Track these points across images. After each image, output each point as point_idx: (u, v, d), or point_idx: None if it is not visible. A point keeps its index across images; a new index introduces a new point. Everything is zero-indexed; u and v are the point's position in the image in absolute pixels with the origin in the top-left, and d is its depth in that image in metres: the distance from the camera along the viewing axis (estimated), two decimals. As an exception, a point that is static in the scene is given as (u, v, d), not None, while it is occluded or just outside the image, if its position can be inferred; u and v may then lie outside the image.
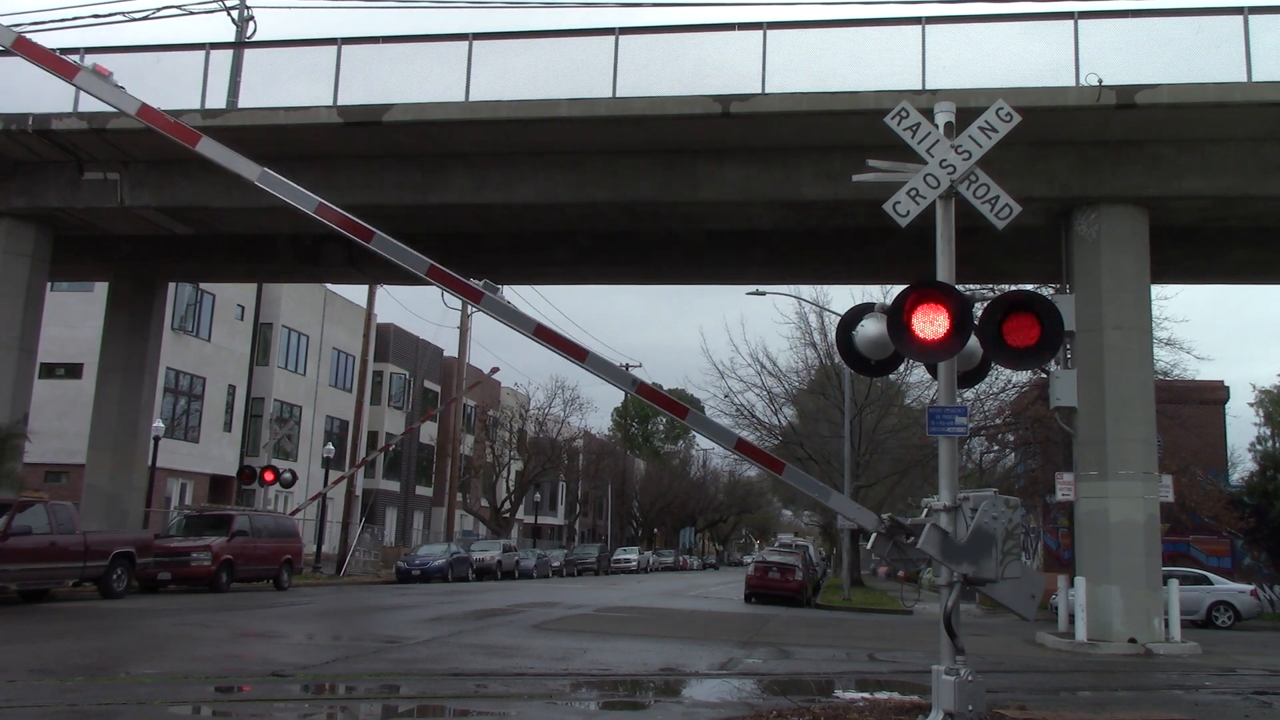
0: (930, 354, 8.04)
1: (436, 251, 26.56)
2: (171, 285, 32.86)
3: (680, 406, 8.50)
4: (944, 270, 8.23)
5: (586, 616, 21.25)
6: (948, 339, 7.80)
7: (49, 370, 34.57)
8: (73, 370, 35.86)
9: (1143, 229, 19.20)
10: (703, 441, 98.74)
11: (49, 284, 25.45)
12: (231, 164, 9.04)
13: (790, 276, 27.40)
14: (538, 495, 66.04)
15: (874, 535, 8.01)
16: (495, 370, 55.19)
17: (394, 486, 55.71)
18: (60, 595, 21.24)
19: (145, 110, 8.68)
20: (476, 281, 8.72)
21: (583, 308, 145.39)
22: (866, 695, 10.11)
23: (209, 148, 8.78)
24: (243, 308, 43.06)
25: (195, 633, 14.81)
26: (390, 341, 54.59)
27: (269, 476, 32.75)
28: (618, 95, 18.99)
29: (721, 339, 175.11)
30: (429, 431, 59.32)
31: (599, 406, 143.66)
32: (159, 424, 30.67)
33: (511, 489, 60.09)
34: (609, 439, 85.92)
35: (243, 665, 11.59)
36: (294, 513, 32.60)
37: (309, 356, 47.95)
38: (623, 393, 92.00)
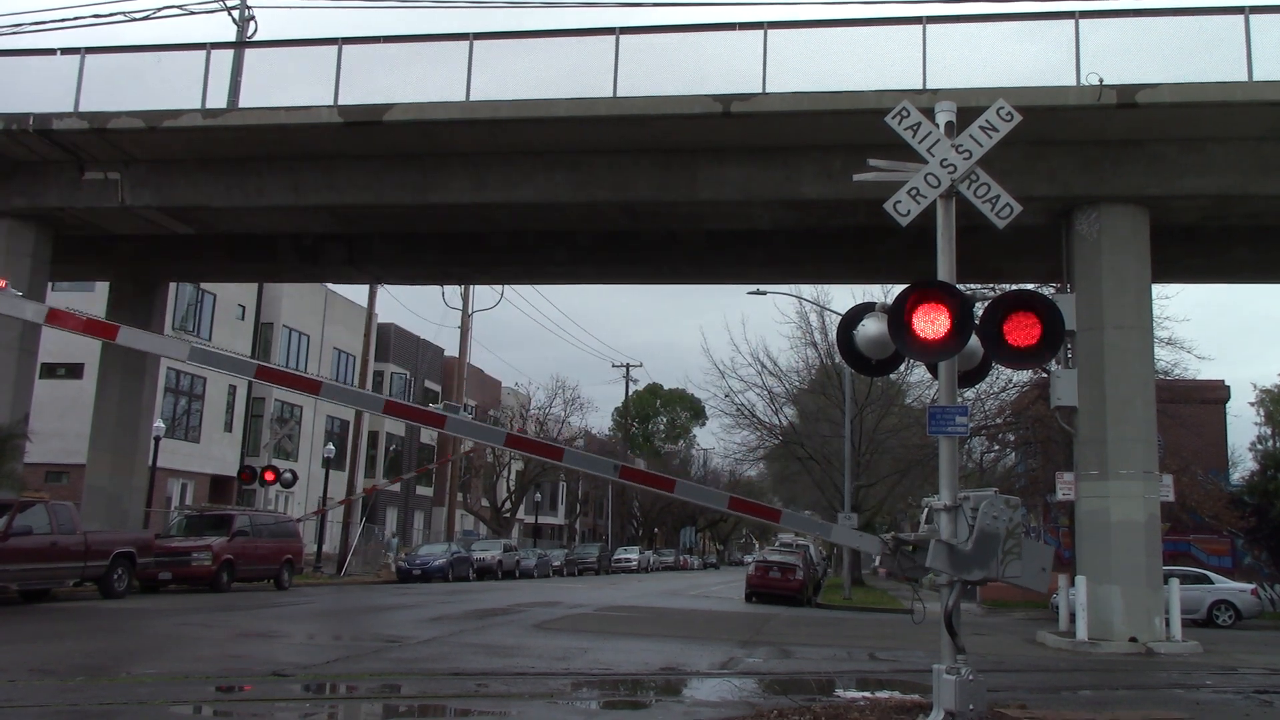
0: (931, 353, 8.04)
1: (436, 250, 26.63)
2: (172, 285, 32.93)
3: (667, 480, 8.52)
4: (945, 269, 8.23)
5: (587, 616, 21.26)
6: (948, 338, 7.80)
7: (50, 370, 34.60)
8: (73, 370, 35.88)
9: (1143, 228, 19.20)
10: (704, 440, 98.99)
11: (50, 284, 25.50)
12: (160, 349, 9.25)
13: (791, 276, 27.41)
14: (538, 495, 66.05)
15: (881, 554, 8.02)
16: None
17: (394, 487, 55.78)
18: (61, 595, 21.25)
19: (53, 314, 8.75)
20: (436, 406, 8.81)
21: (583, 306, 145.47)
22: (867, 694, 10.11)
23: (128, 336, 8.83)
24: (243, 307, 43.11)
25: (196, 633, 14.82)
26: (391, 341, 54.64)
27: (269, 476, 32.82)
28: (618, 95, 18.99)
29: (722, 338, 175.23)
30: (429, 432, 59.41)
31: (600, 406, 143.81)
32: (159, 424, 30.68)
33: (512, 489, 60.10)
34: (610, 438, 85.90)
35: (244, 665, 11.59)
36: (299, 520, 32.58)
37: (310, 356, 48.03)
38: (624, 392, 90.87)
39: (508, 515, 58.48)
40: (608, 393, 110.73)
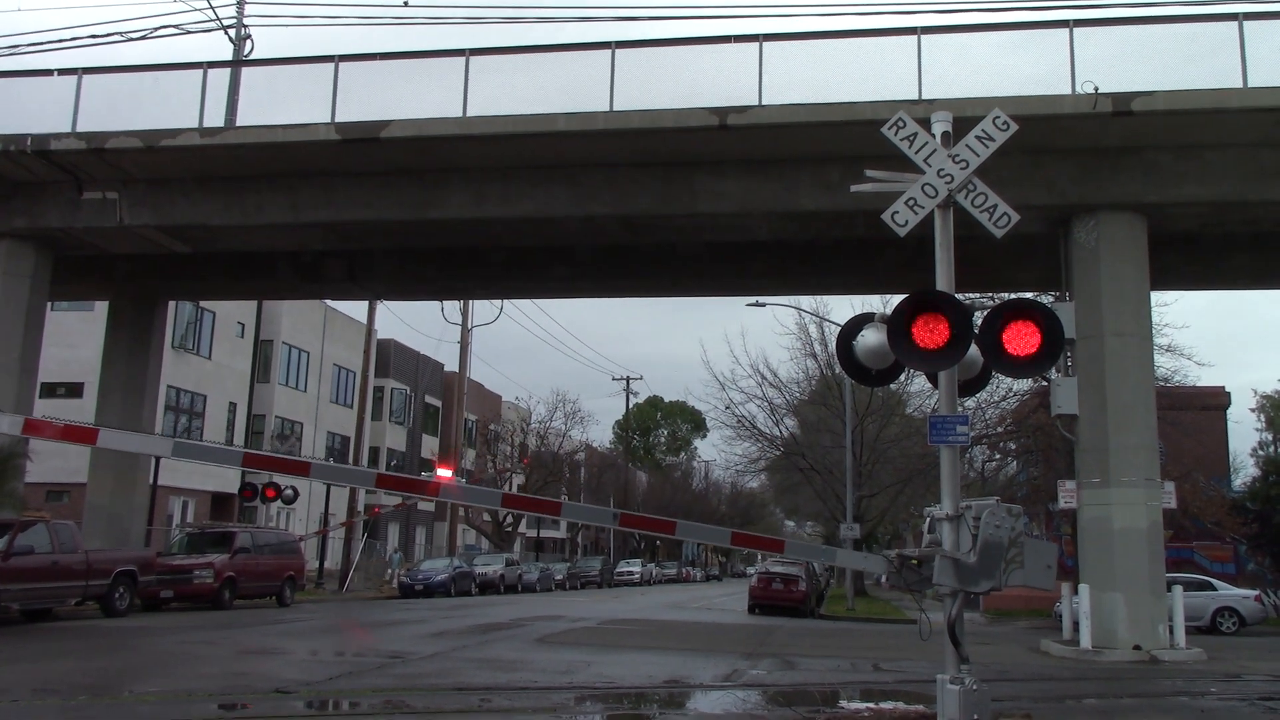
0: (931, 363, 8.05)
1: (436, 266, 26.64)
2: (172, 304, 32.93)
3: (667, 523, 8.57)
4: (943, 279, 8.25)
5: (590, 629, 21.22)
6: (948, 348, 7.81)
7: (50, 390, 34.57)
8: (73, 390, 35.85)
9: (1141, 236, 19.24)
10: (705, 452, 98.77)
11: (49, 304, 25.51)
12: (144, 447, 9.44)
13: (790, 287, 27.45)
14: (540, 509, 66.09)
15: (888, 573, 8.01)
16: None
17: (396, 501, 55.69)
18: (63, 614, 21.21)
19: (30, 425, 8.84)
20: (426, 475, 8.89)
21: (583, 320, 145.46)
22: (871, 705, 10.10)
23: (109, 438, 8.90)
24: (243, 325, 43.15)
25: (199, 650, 14.80)
26: (391, 357, 54.65)
27: (271, 493, 32.75)
28: (615, 109, 19.06)
29: (722, 350, 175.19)
30: (431, 446, 59.33)
31: (600, 419, 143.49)
32: (160, 441, 30.73)
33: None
34: (611, 451, 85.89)
35: (246, 682, 11.57)
36: (301, 539, 32.58)
37: (310, 373, 48.04)
38: (624, 405, 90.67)
39: (509, 529, 58.41)
40: (608, 406, 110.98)
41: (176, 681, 11.43)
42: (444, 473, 36.08)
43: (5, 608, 18.97)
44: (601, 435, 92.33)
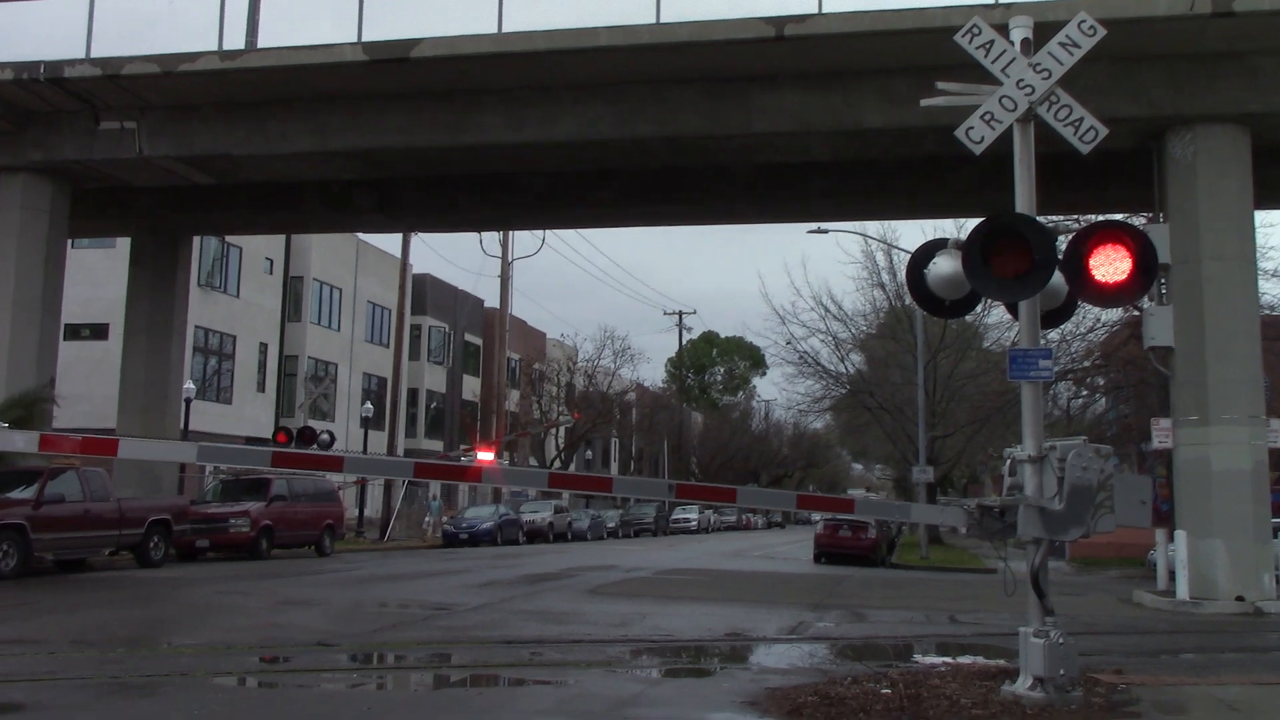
0: (1010, 292, 7.95)
1: (471, 194, 26.65)
2: (196, 239, 33.31)
3: (727, 490, 8.56)
4: (1023, 201, 8.11)
5: (645, 580, 21.50)
6: (1029, 276, 7.70)
7: (74, 332, 35.38)
8: (98, 331, 36.67)
9: (1244, 149, 18.69)
10: (764, 391, 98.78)
11: (70, 241, 25.98)
12: (167, 455, 9.52)
13: (853, 212, 27.11)
14: (589, 452, 66.60)
15: (968, 526, 7.96)
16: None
17: (437, 446, 56.40)
18: (97, 565, 21.94)
19: (45, 440, 8.94)
20: (457, 455, 8.88)
21: (631, 251, 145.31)
22: (948, 660, 10.15)
23: (130, 448, 9.05)
24: (271, 261, 43.65)
25: (236, 602, 15.24)
26: (428, 293, 55.03)
27: (307, 438, 33.31)
28: (661, 21, 18.80)
29: (781, 282, 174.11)
30: (472, 387, 59.97)
31: (652, 357, 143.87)
32: (189, 385, 31.34)
33: (561, 447, 60.59)
34: (663, 391, 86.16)
35: (286, 635, 11.90)
36: (340, 487, 33.20)
37: (343, 311, 48.60)
38: (676, 342, 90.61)
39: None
40: (660, 343, 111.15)
41: (215, 633, 11.80)
42: (484, 456, 36.44)
43: (39, 558, 19.64)
44: (653, 374, 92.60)
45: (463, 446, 50.60)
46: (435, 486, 54.58)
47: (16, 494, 19.60)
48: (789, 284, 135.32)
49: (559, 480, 8.64)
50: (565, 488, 9.10)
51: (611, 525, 50.89)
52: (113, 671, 9.19)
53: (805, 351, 40.98)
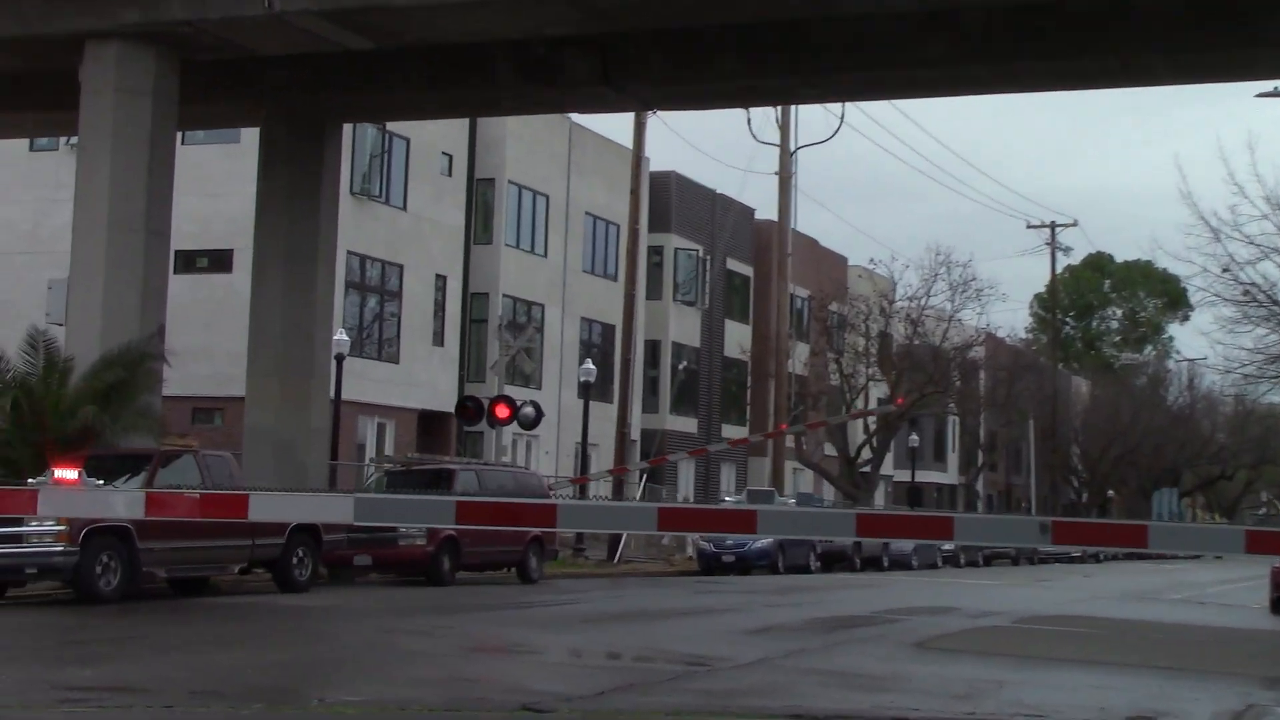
0: None
1: (735, 53, 26.66)
2: (348, 130, 34.49)
3: (1132, 529, 8.14)
4: None
5: (1000, 631, 21.15)
6: None
7: (188, 262, 37.56)
8: (219, 261, 38.71)
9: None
10: (1186, 344, 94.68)
11: (179, 135, 27.48)
12: (317, 513, 9.88)
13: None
14: (914, 437, 65.82)
15: None
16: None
17: (689, 425, 56.88)
18: (224, 586, 23.34)
19: (153, 500, 9.56)
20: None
21: (974, 136, 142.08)
22: None
23: (261, 506, 9.51)
24: (450, 157, 44.98)
25: (411, 644, 15.91)
26: (673, 200, 55.49)
27: (502, 412, 34.05)
28: None
29: (1212, 175, 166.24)
30: (738, 339, 60.25)
31: (1008, 292, 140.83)
32: (342, 335, 32.59)
33: (873, 428, 60.19)
34: (1026, 344, 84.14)
35: (479, 692, 12.29)
36: (551, 486, 34.06)
37: (550, 226, 49.47)
38: (1047, 269, 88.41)
39: (866, 470, 58.78)
40: (1021, 271, 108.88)
41: (382, 687, 12.32)
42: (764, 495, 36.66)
43: (147, 574, 21.04)
44: (1011, 318, 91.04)
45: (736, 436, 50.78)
46: (685, 485, 55.47)
47: (120, 485, 20.99)
48: (1224, 176, 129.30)
49: (872, 525, 8.57)
50: (882, 535, 8.98)
51: (949, 548, 50.30)
52: (249, 733, 9.74)
53: (1253, 283, 39.02)
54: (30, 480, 12.54)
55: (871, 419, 59.42)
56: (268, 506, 10.38)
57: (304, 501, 11.36)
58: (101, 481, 10.77)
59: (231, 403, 34.11)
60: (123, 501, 10.07)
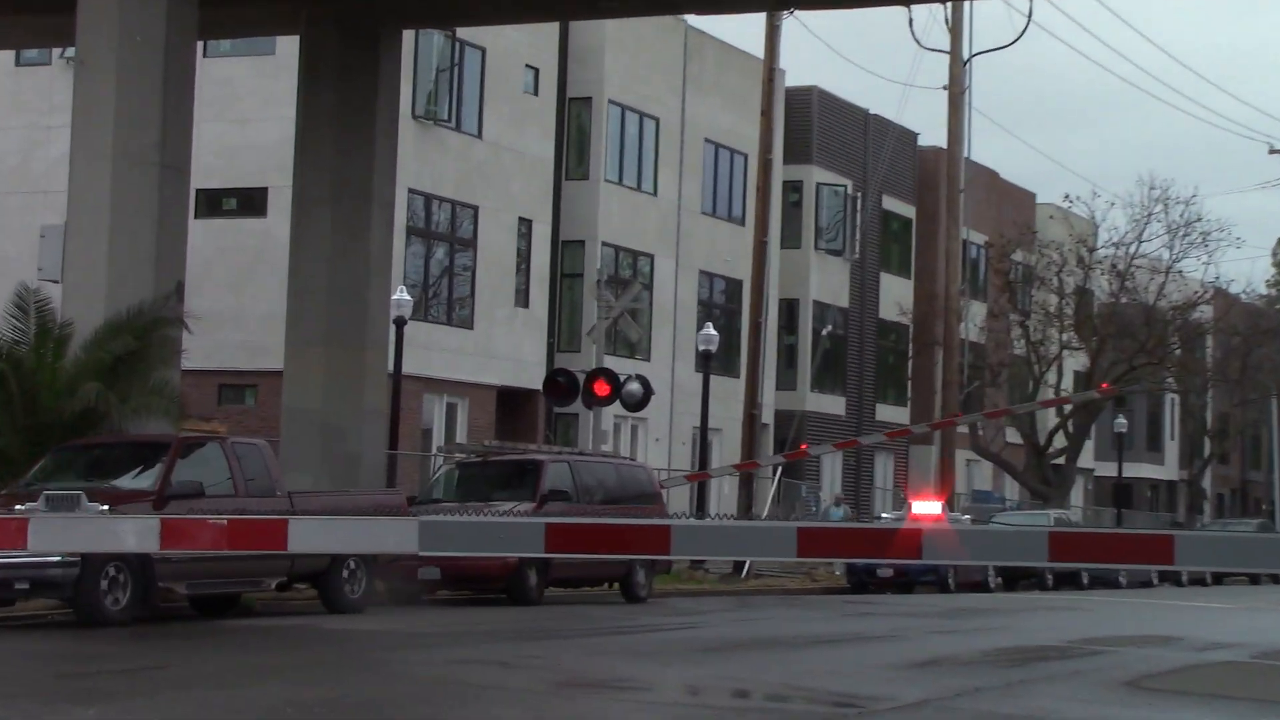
0: None
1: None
2: (408, 37, 34.46)
3: None
4: None
5: (1235, 668, 20.82)
6: None
7: (213, 203, 37.90)
8: (251, 202, 38.93)
9: None
10: None
11: (201, 46, 27.62)
12: (373, 544, 9.92)
13: None
14: (1121, 421, 65.06)
15: None
16: None
17: (834, 406, 56.62)
18: (258, 606, 23.50)
19: (170, 530, 9.58)
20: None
21: (1198, 38, 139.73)
22: None
23: (305, 535, 9.56)
24: (535, 71, 44.92)
25: (490, 678, 15.90)
26: (814, 123, 55.23)
27: (602, 389, 33.94)
28: None
29: None
30: (896, 297, 59.69)
31: (1245, 237, 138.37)
32: (402, 295, 32.65)
33: (1068, 411, 59.61)
34: (1269, 303, 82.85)
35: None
36: (663, 483, 33.91)
37: (660, 158, 49.30)
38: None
39: (1060, 461, 58.23)
40: (1259, 210, 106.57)
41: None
42: (925, 507, 36.33)
43: (164, 590, 21.20)
44: (1247, 269, 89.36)
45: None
46: (831, 479, 55.18)
47: (127, 481, 21.29)
48: None
49: (1069, 547, 8.45)
50: (1082, 559, 8.81)
51: (1167, 561, 49.76)
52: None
53: None
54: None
55: (1067, 386, 58.92)
56: (311, 535, 10.42)
57: (355, 530, 11.36)
58: (105, 508, 10.80)
59: (267, 378, 34.36)
60: (133, 531, 10.10)
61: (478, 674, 16.35)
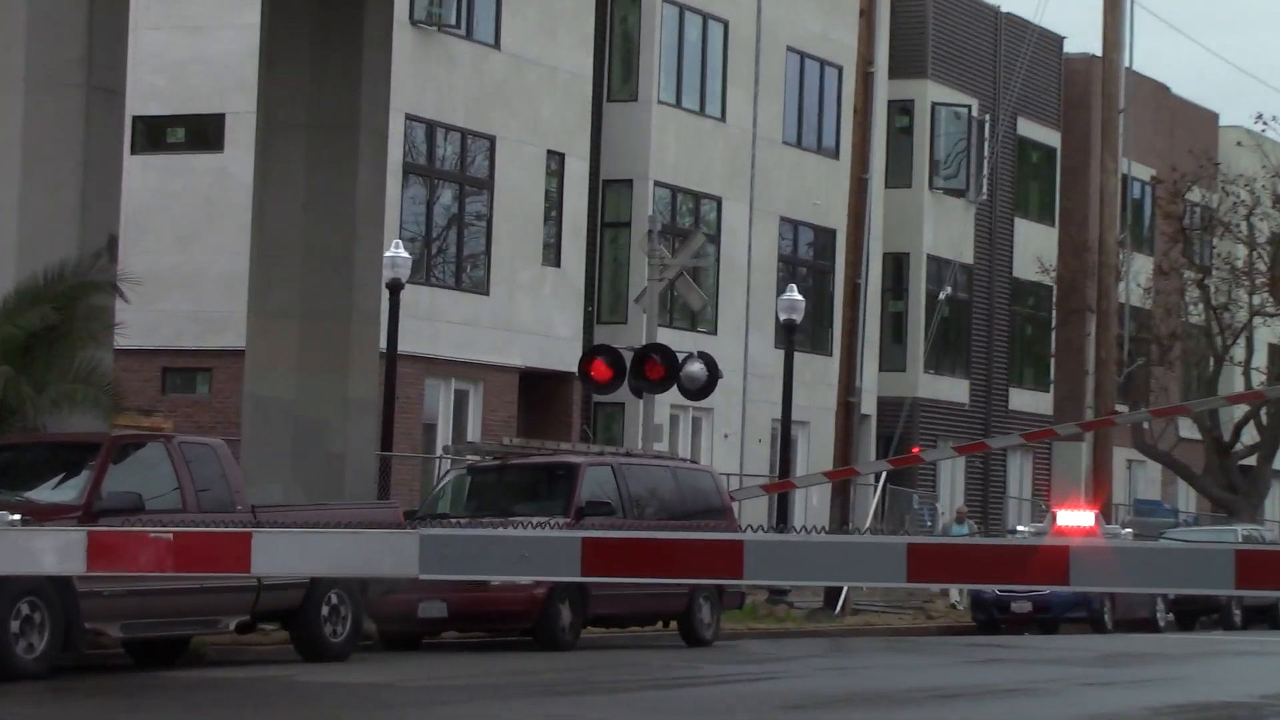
0: None
1: None
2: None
3: None
4: None
5: None
6: None
7: (156, 134, 37.97)
8: (202, 133, 39.02)
9: None
10: None
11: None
12: (366, 564, 9.96)
13: None
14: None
15: None
16: None
17: (956, 392, 56.64)
18: (212, 652, 23.50)
19: (96, 545, 9.46)
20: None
21: None
22: None
23: (268, 551, 9.52)
24: (563, -34, 44.90)
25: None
26: (929, 26, 55.35)
27: (654, 371, 33.99)
28: None
29: None
30: (1036, 250, 59.53)
31: None
32: (398, 251, 32.66)
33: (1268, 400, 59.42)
34: None
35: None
36: (734, 492, 33.91)
37: (731, 74, 49.27)
38: None
39: (1249, 461, 58.02)
40: None
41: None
42: (1074, 518, 35.88)
43: (93, 633, 21.13)
44: None
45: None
46: (951, 488, 55.14)
47: (45, 493, 21.22)
48: None
49: (1257, 567, 8.25)
50: (1271, 588, 8.59)
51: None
52: None
53: None
54: None
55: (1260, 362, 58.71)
56: (282, 553, 10.25)
57: (339, 546, 11.20)
58: (16, 517, 10.63)
59: (225, 359, 34.49)
60: (52, 548, 9.95)
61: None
